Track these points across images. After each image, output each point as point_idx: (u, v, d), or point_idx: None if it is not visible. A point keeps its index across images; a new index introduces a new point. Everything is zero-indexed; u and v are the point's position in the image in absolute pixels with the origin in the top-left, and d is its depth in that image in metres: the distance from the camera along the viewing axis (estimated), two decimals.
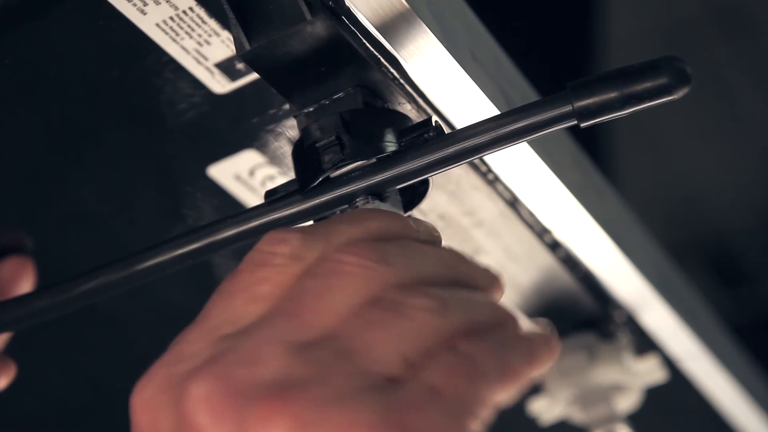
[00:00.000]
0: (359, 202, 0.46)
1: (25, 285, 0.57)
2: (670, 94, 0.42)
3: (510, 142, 0.45)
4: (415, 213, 0.58)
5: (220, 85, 0.53)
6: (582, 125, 0.43)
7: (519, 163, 0.57)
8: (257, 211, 0.48)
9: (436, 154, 0.45)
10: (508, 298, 0.70)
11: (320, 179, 0.46)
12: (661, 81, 0.42)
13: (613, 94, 0.42)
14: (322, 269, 0.39)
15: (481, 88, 0.52)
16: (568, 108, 0.43)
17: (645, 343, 0.74)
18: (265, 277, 0.39)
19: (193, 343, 0.38)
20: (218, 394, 0.36)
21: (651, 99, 0.42)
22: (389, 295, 0.38)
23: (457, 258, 0.42)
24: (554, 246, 0.65)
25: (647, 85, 0.42)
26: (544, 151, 0.57)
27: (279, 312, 0.38)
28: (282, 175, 0.57)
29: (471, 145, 0.45)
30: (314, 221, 0.48)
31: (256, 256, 0.40)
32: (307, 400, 0.35)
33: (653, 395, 0.76)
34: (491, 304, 0.41)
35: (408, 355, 0.37)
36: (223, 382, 0.36)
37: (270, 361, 0.36)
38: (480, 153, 0.45)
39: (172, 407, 0.37)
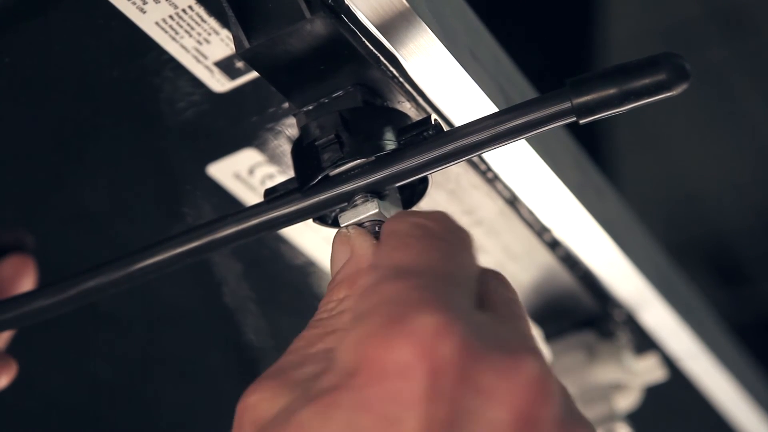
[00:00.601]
0: (358, 200, 0.46)
1: (27, 283, 0.57)
2: (668, 90, 0.42)
3: (509, 140, 0.45)
4: None
5: (219, 83, 0.53)
6: (581, 122, 0.43)
7: (518, 162, 0.57)
8: (257, 209, 0.48)
9: (435, 152, 0.45)
10: None
11: (319, 177, 0.46)
12: (660, 77, 0.42)
13: (611, 91, 0.42)
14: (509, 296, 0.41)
15: (480, 87, 0.52)
16: (566, 104, 0.43)
17: (644, 342, 0.74)
18: (469, 256, 0.41)
19: (456, 289, 0.38)
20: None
21: (650, 95, 0.42)
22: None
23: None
24: (554, 245, 0.65)
25: (646, 81, 0.42)
26: (543, 149, 0.57)
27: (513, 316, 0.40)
28: (281, 174, 0.57)
29: (470, 142, 0.45)
30: (313, 220, 0.48)
31: (457, 233, 0.41)
32: None
33: (653, 394, 0.76)
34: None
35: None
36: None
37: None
38: (479, 150, 0.45)
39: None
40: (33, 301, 0.51)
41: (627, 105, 0.43)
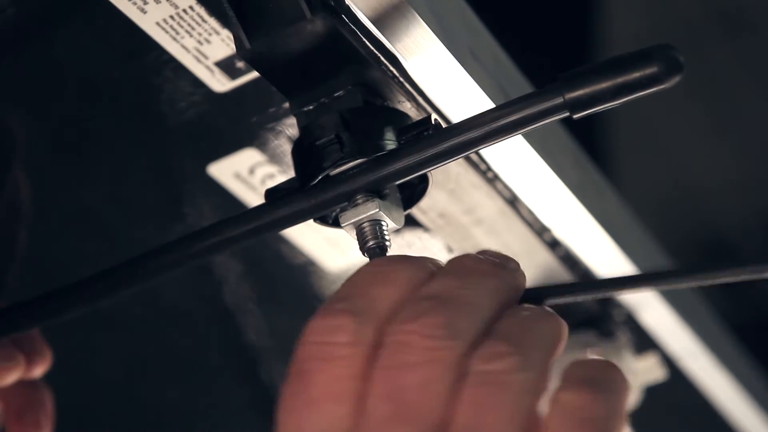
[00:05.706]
0: (359, 199, 0.46)
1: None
2: (661, 83, 0.42)
3: (503, 136, 0.44)
4: (415, 211, 0.58)
5: (220, 83, 0.53)
6: (574, 116, 0.43)
7: (518, 161, 0.57)
8: (259, 211, 0.48)
9: (431, 150, 0.45)
10: None
11: (320, 177, 0.46)
12: (653, 70, 0.41)
13: (604, 85, 0.42)
14: (401, 357, 0.38)
15: (480, 87, 0.52)
16: (559, 100, 0.43)
17: (644, 342, 0.74)
18: (340, 374, 0.38)
19: None
20: None
21: (643, 88, 0.42)
22: (474, 368, 0.38)
23: (492, 277, 0.41)
24: (554, 244, 0.65)
25: (638, 74, 0.42)
26: (543, 149, 0.57)
27: (386, 416, 0.37)
28: (282, 174, 0.58)
29: (465, 139, 0.45)
30: (314, 220, 0.48)
31: (315, 350, 0.38)
32: None
33: (653, 394, 0.76)
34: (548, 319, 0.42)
35: (525, 425, 0.37)
36: None
37: None
38: (473, 148, 0.45)
39: None
40: (44, 306, 0.51)
41: (620, 99, 0.42)
